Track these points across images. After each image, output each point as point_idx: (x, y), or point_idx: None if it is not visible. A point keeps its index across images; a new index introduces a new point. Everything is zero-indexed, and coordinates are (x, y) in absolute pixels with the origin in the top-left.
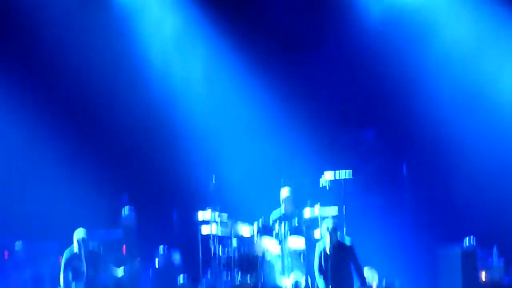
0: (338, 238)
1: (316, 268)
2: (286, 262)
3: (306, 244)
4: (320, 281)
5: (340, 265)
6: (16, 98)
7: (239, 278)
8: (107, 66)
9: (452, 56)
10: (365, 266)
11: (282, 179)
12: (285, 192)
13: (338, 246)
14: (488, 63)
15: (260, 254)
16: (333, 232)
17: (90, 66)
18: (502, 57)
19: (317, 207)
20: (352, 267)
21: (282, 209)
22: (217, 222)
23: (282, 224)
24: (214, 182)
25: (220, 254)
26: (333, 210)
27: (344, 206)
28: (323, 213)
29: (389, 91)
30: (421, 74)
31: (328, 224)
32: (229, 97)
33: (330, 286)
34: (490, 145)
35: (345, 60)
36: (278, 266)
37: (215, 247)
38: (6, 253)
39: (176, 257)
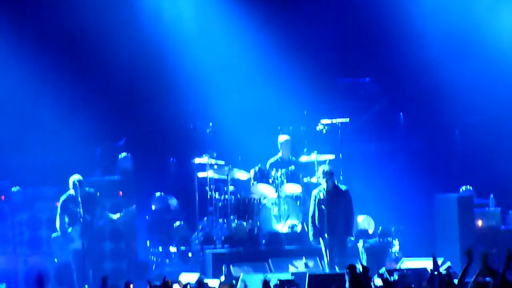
0: (335, 183)
1: (310, 214)
2: (282, 207)
3: (302, 189)
4: (311, 226)
5: (335, 210)
6: (15, 46)
7: (236, 222)
8: (106, 12)
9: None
10: (361, 213)
11: (279, 126)
12: (282, 138)
13: (333, 191)
14: (483, 4)
15: (256, 199)
16: (328, 176)
17: (88, 11)
18: None
19: (313, 154)
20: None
21: (279, 155)
22: (214, 168)
23: (279, 170)
24: (211, 128)
25: (217, 200)
26: (329, 157)
27: (340, 153)
28: (319, 159)
29: (387, 38)
30: (419, 21)
31: (324, 168)
32: (226, 43)
33: (326, 231)
34: (489, 94)
35: (343, 7)
36: (274, 211)
37: (211, 193)
38: (2, 197)
39: (173, 202)
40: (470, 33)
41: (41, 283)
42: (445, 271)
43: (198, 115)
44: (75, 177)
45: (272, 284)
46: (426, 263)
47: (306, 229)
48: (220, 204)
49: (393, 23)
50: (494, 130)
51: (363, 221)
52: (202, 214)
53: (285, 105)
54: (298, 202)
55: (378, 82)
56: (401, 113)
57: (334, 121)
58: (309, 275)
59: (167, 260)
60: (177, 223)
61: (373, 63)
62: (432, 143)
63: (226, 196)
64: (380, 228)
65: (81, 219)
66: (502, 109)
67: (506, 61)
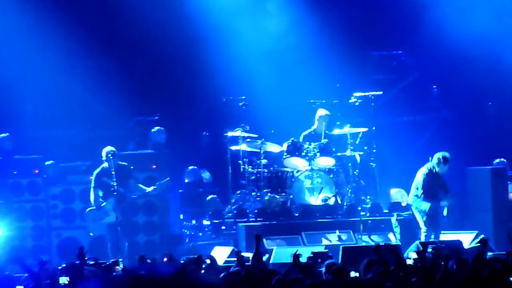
0: None
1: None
2: (315, 180)
3: (335, 162)
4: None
5: None
6: (47, 19)
7: (268, 196)
8: None
9: None
10: (394, 186)
11: (312, 99)
12: (322, 112)
13: None
14: None
15: (289, 172)
16: None
17: None
18: None
19: (346, 127)
20: None
21: (313, 128)
22: (246, 142)
23: (312, 143)
24: (243, 102)
25: (250, 173)
26: (362, 130)
27: (373, 126)
28: (352, 132)
29: (420, 10)
30: None
31: None
32: (259, 17)
33: None
34: None
35: None
36: (307, 184)
37: (244, 166)
38: (36, 171)
39: (206, 176)
40: (506, 3)
41: (82, 256)
42: (478, 244)
43: (230, 89)
44: (109, 148)
45: (305, 258)
46: (460, 236)
47: (339, 201)
48: (253, 177)
49: None
50: None
51: (397, 194)
52: (235, 187)
53: (318, 78)
54: (331, 175)
55: (411, 54)
56: (434, 86)
57: (367, 94)
58: (343, 248)
59: (200, 233)
60: (210, 196)
61: (406, 35)
62: (465, 115)
63: (259, 169)
64: None
65: (114, 192)
66: None
67: None
